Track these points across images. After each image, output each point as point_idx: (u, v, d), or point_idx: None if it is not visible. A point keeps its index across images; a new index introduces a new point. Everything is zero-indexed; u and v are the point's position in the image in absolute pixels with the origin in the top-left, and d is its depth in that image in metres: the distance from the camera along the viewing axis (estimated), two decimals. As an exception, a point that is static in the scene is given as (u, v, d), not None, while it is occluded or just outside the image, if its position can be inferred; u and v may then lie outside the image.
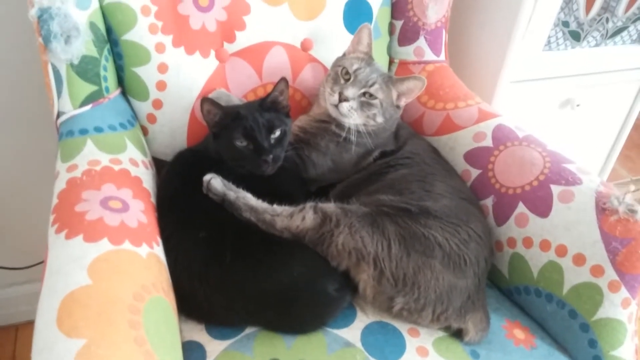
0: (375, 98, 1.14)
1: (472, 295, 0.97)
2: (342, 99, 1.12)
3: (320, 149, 1.17)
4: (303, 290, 0.93)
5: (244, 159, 1.05)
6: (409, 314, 0.96)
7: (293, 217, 0.97)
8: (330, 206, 0.99)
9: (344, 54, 1.24)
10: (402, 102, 1.19)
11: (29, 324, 1.76)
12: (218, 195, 0.99)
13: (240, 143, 1.04)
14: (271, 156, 1.04)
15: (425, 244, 0.95)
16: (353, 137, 1.15)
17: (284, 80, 1.09)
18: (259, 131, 1.04)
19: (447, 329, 0.99)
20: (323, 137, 1.17)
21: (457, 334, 0.98)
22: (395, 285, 0.93)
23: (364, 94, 1.14)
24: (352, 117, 1.14)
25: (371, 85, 1.14)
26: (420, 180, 1.10)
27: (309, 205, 0.99)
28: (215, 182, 1.00)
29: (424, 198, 1.04)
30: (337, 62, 1.21)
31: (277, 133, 1.07)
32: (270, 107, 1.09)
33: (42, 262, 0.78)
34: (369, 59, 1.20)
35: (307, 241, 0.96)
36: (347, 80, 1.15)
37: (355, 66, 1.16)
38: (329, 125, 1.18)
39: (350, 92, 1.13)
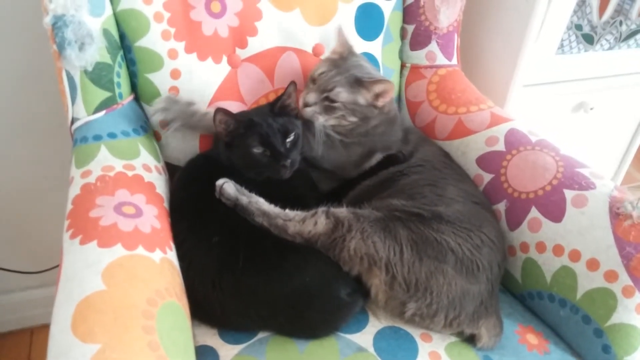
0: (337, 102, 1.15)
1: (485, 300, 0.97)
2: (305, 104, 1.15)
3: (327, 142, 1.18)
4: (315, 295, 0.93)
5: (261, 166, 1.06)
6: (421, 319, 0.95)
7: (305, 222, 0.97)
8: (342, 211, 0.99)
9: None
10: (380, 103, 1.19)
11: (44, 327, 1.79)
12: (230, 199, 0.99)
13: (257, 150, 1.05)
14: (289, 161, 1.05)
15: (437, 249, 0.95)
16: (335, 136, 1.18)
17: (293, 83, 1.10)
18: (275, 137, 1.05)
19: (460, 334, 0.98)
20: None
21: (470, 339, 0.98)
22: (408, 291, 0.93)
23: (326, 98, 1.15)
24: (318, 120, 1.15)
25: (331, 90, 1.15)
26: (432, 184, 1.10)
27: (321, 210, 0.99)
28: (227, 186, 1.00)
29: (436, 202, 1.04)
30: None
31: (292, 137, 1.08)
32: (281, 111, 1.10)
33: (56, 267, 0.79)
34: (339, 60, 1.20)
35: (319, 246, 0.96)
36: (313, 84, 1.17)
37: (320, 70, 1.18)
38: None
39: (311, 98, 1.15)
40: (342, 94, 1.15)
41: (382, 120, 1.21)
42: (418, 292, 0.93)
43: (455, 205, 1.05)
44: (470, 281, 0.95)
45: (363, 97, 1.17)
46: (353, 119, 1.17)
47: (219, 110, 1.04)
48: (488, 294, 0.98)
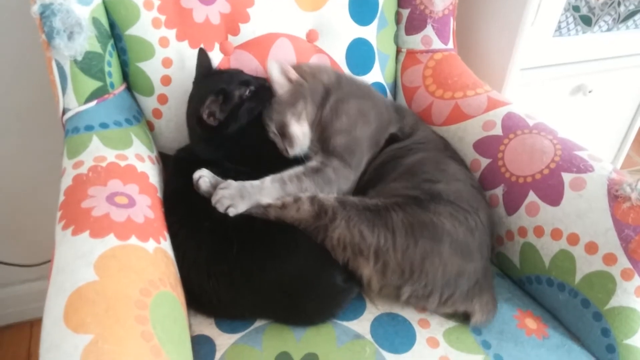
0: (271, 120, 1.12)
1: (480, 279, 0.96)
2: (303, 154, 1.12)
3: (348, 131, 1.11)
4: (310, 281, 0.92)
5: (256, 103, 1.09)
6: (416, 300, 0.95)
7: (287, 208, 0.96)
8: (328, 198, 0.97)
9: None
10: (293, 76, 1.12)
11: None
12: (205, 195, 0.99)
13: (247, 92, 1.07)
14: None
15: (433, 231, 0.94)
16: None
17: (202, 49, 1.14)
18: (245, 76, 1.11)
19: (454, 313, 0.98)
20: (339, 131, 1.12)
21: (467, 320, 0.97)
22: (402, 275, 0.92)
23: (277, 129, 1.11)
24: (300, 143, 1.11)
25: (269, 125, 1.12)
26: (436, 160, 1.10)
27: (306, 196, 0.98)
28: (202, 182, 0.99)
29: (439, 178, 1.03)
30: None
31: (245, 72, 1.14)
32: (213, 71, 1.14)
33: (53, 259, 0.79)
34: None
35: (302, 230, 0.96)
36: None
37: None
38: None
39: (289, 149, 1.11)
40: (271, 121, 1.11)
41: (320, 80, 1.16)
42: (413, 275, 0.92)
43: (456, 184, 1.04)
44: (465, 260, 0.95)
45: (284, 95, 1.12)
46: (308, 104, 1.12)
47: (203, 106, 1.03)
48: (483, 272, 0.98)
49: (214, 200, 0.96)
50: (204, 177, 1.00)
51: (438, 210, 0.96)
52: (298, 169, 1.04)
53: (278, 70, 1.11)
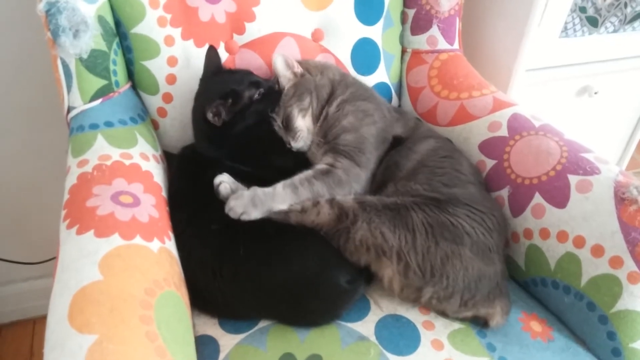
0: (277, 113, 1.13)
1: (499, 282, 0.96)
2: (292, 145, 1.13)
3: (355, 129, 1.11)
4: (314, 282, 0.92)
5: (267, 103, 1.09)
6: (437, 302, 0.95)
7: (307, 212, 0.96)
8: (347, 200, 0.97)
9: None
10: (297, 69, 1.15)
11: (46, 318, 1.79)
12: (224, 199, 0.98)
13: (257, 95, 1.07)
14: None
15: (454, 232, 0.94)
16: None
17: (212, 47, 1.14)
18: (253, 76, 1.12)
19: (474, 317, 0.97)
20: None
21: (476, 322, 0.97)
22: (423, 277, 0.92)
23: (282, 122, 1.12)
24: (304, 137, 1.12)
25: (275, 118, 1.13)
26: (450, 157, 1.10)
27: (325, 199, 0.98)
28: (222, 187, 0.99)
29: (455, 182, 1.04)
30: None
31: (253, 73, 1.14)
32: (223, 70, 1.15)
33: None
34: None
35: (323, 234, 0.96)
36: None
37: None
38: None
39: (294, 142, 1.12)
40: (292, 111, 1.12)
41: (327, 77, 1.17)
42: (434, 277, 0.92)
43: (470, 188, 1.05)
44: (486, 263, 0.95)
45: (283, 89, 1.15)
46: (314, 100, 1.13)
47: (213, 105, 1.02)
48: (502, 275, 0.98)
49: (226, 209, 0.95)
50: (224, 182, 0.99)
51: (456, 212, 0.96)
52: (308, 173, 1.03)
53: (283, 63, 1.13)
